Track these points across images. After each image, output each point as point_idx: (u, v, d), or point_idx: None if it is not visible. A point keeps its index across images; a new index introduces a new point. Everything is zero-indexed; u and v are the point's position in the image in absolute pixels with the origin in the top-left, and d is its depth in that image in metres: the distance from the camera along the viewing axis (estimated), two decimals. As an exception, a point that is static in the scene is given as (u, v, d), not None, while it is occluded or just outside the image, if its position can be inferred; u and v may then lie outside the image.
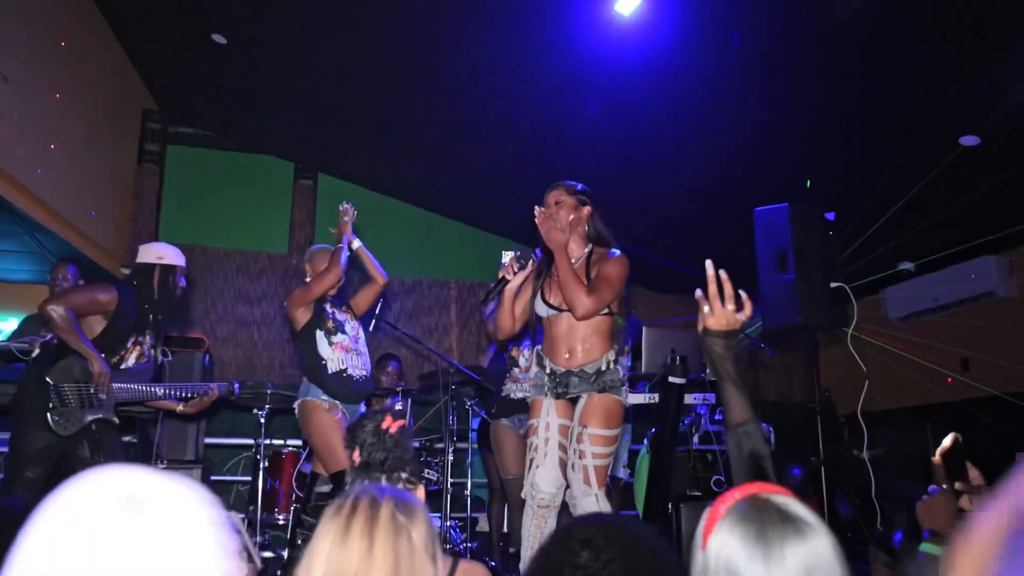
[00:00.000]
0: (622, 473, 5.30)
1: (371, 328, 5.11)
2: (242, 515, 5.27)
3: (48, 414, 3.86)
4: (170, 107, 8.08)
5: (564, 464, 3.59)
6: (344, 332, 4.57)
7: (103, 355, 3.94)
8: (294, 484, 5.43)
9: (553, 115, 6.44)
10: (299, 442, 5.86)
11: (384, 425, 2.34)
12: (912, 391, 7.73)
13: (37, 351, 4.10)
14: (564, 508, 3.65)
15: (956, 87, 5.14)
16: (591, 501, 3.43)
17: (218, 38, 6.34)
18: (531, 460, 3.64)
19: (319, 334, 4.48)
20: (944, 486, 2.53)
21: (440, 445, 5.59)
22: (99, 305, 4.02)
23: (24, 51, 5.52)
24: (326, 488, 4.42)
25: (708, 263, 2.04)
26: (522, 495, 3.65)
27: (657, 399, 4.62)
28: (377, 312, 5.13)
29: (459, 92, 6.53)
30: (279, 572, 4.76)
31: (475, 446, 6.07)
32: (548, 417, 3.65)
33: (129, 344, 4.14)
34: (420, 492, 2.31)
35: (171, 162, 8.24)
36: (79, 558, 0.82)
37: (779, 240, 4.25)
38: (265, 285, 8.30)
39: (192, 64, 7.13)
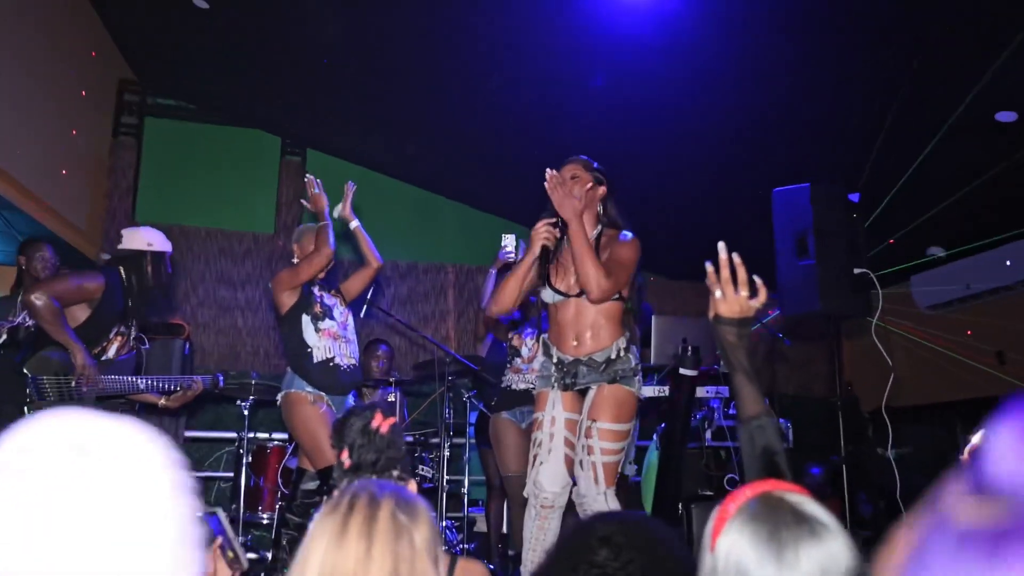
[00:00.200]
0: (629, 471, 5.30)
1: (362, 314, 5.11)
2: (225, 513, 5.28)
3: (24, 408, 3.86)
4: (148, 77, 8.06)
5: (570, 461, 3.58)
6: (332, 318, 4.57)
7: (85, 346, 3.95)
8: (279, 481, 5.44)
9: (559, 88, 6.41)
10: (285, 436, 5.87)
11: (374, 424, 2.33)
12: (941, 386, 7.72)
13: (4, 337, 4.10)
14: (569, 508, 3.65)
15: (991, 59, 5.11)
16: (599, 501, 3.43)
17: (200, 2, 6.30)
18: (535, 456, 3.63)
19: (305, 319, 4.48)
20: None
21: (435, 440, 5.60)
22: (86, 293, 4.04)
23: (-10, 16, 5.50)
24: (312, 485, 4.43)
25: (721, 245, 2.03)
26: (524, 494, 3.65)
27: (667, 392, 4.62)
28: (369, 297, 5.13)
29: (459, 63, 6.50)
30: (262, 575, 4.77)
31: (472, 441, 6.08)
32: (554, 411, 3.64)
33: (112, 334, 4.14)
34: (412, 487, 2.31)
35: (149, 136, 8.22)
36: (29, 506, 0.84)
37: (799, 223, 4.23)
38: (249, 268, 8.29)
39: (172, 31, 7.09)
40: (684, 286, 8.86)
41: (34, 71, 6.07)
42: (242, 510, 5.26)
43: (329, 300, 4.62)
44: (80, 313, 4.04)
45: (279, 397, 4.53)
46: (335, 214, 4.65)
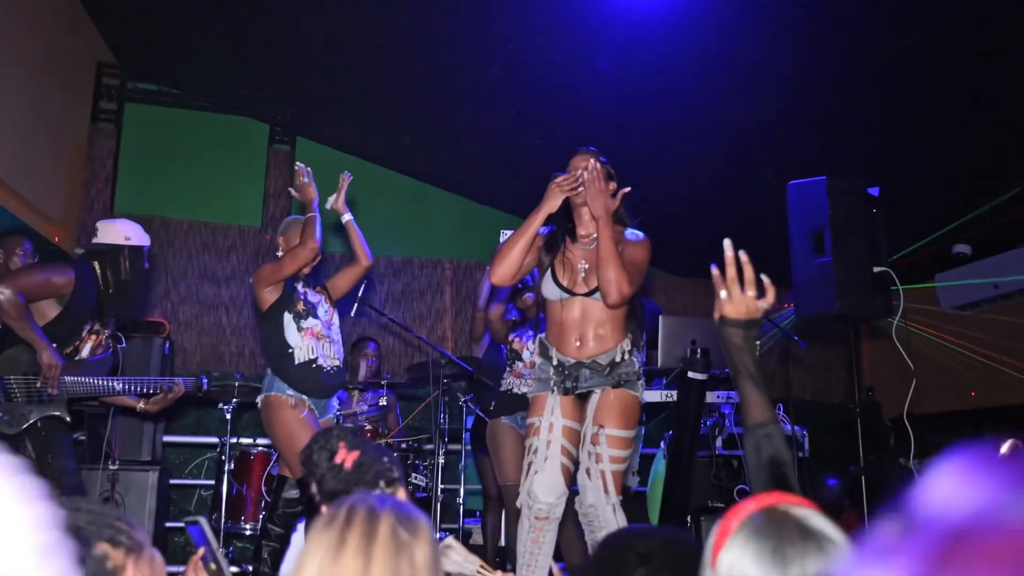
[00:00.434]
0: (631, 481, 5.29)
1: (353, 313, 5.10)
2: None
3: None
4: (129, 60, 8.04)
5: (567, 471, 3.56)
6: (316, 316, 4.55)
7: (55, 345, 3.94)
8: (263, 489, 5.43)
9: (561, 73, 6.39)
10: (269, 442, 5.86)
11: (337, 460, 2.32)
12: (967, 392, 7.71)
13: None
14: (566, 519, 3.64)
15: (1022, 45, 5.09)
16: (609, 512, 3.41)
17: (182, -19, 6.32)
18: (529, 464, 3.60)
19: (287, 317, 4.46)
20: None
21: (429, 446, 5.59)
22: (53, 288, 4.02)
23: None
24: (295, 493, 4.42)
25: (726, 243, 2.02)
26: (517, 504, 3.63)
27: (675, 397, 4.60)
28: (360, 295, 5.12)
29: (456, 47, 6.49)
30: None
31: (469, 448, 6.07)
32: (552, 417, 3.61)
33: (84, 332, 4.13)
34: (400, 495, 2.30)
35: (129, 122, 8.20)
36: None
37: (815, 218, 4.22)
38: (235, 262, 8.28)
39: (153, 10, 7.09)
40: (693, 284, 8.84)
41: (5, 51, 6.05)
42: (223, 520, 5.25)
43: (313, 297, 4.60)
44: (49, 309, 4.02)
45: (259, 400, 4.52)
46: (327, 205, 4.64)
